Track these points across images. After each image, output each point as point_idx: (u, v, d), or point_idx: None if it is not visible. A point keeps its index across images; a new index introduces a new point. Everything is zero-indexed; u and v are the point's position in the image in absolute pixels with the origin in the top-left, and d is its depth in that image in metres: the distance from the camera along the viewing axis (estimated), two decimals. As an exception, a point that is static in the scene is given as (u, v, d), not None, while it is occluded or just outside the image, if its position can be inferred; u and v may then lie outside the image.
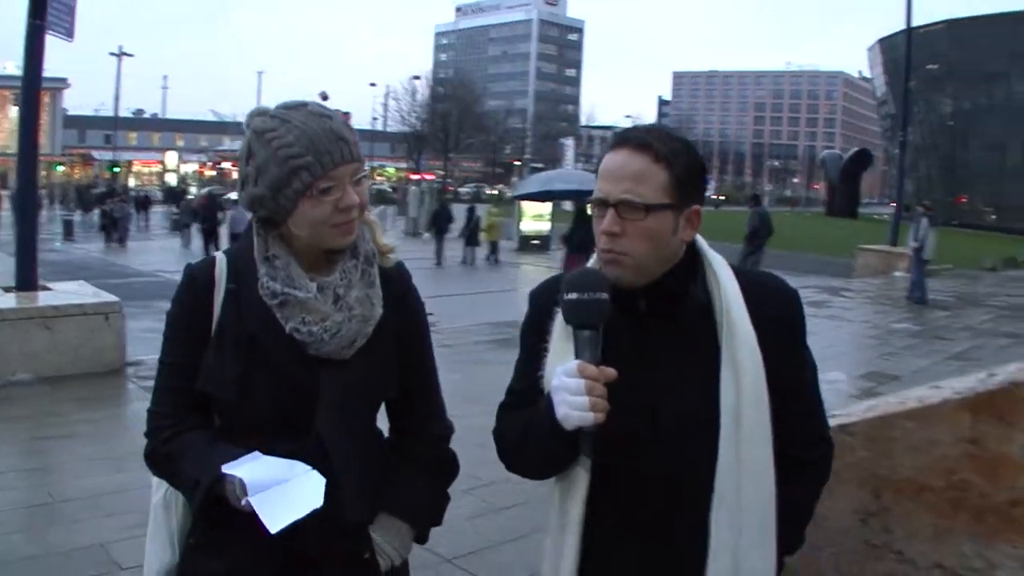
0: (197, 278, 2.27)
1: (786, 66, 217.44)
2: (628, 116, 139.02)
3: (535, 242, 34.89)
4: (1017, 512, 2.90)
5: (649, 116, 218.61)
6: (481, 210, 33.53)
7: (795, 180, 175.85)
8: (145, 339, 10.28)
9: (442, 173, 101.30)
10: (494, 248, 32.12)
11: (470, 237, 31.33)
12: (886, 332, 16.23)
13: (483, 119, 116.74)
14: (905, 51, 33.54)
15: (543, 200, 26.80)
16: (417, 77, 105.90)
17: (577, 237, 15.24)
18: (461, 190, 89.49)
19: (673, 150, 2.05)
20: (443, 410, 2.51)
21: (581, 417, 1.93)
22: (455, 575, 4.99)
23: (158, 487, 2.40)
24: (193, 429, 2.23)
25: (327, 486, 2.05)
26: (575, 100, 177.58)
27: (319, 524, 2.05)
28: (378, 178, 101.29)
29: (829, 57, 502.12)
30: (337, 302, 2.20)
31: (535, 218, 35.31)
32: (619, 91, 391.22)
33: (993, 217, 75.47)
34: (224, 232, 27.69)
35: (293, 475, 2.05)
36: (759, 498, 2.07)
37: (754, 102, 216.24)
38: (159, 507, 2.38)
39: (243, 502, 2.00)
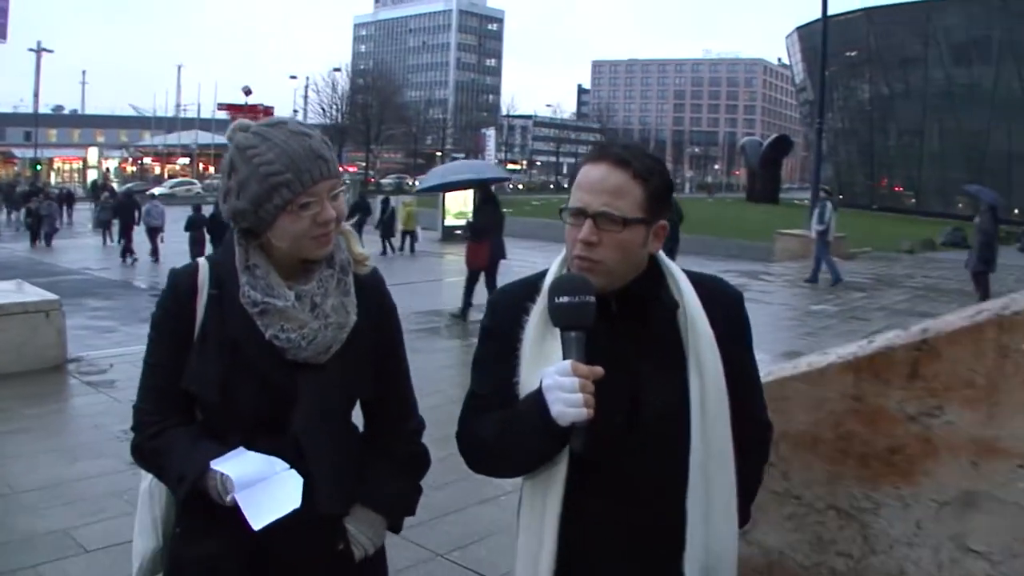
0: (180, 284, 2.38)
1: (705, 54, 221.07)
2: (549, 105, 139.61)
3: (459, 232, 34.69)
4: (896, 458, 3.22)
5: (569, 105, 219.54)
6: (399, 201, 34.42)
7: (716, 167, 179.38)
8: (80, 336, 11.21)
9: (363, 165, 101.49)
10: (412, 238, 32.82)
11: (386, 228, 32.41)
12: (804, 313, 17.12)
13: (404, 110, 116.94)
14: (822, 39, 35.24)
15: (444, 192, 26.73)
16: (338, 69, 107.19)
17: (479, 223, 15.05)
18: (383, 182, 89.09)
19: (648, 168, 2.21)
20: (415, 407, 2.64)
21: (576, 413, 2.04)
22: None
23: (144, 477, 2.51)
24: (177, 426, 2.35)
25: (305, 477, 2.22)
26: (496, 90, 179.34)
27: (294, 517, 2.16)
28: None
29: (748, 45, 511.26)
30: (314, 310, 2.31)
31: (458, 215, 35.26)
32: (539, 80, 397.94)
33: (912, 201, 77.18)
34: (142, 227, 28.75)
35: (273, 473, 2.18)
36: (725, 480, 2.26)
37: (674, 90, 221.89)
38: (144, 495, 2.51)
39: (228, 498, 2.14)
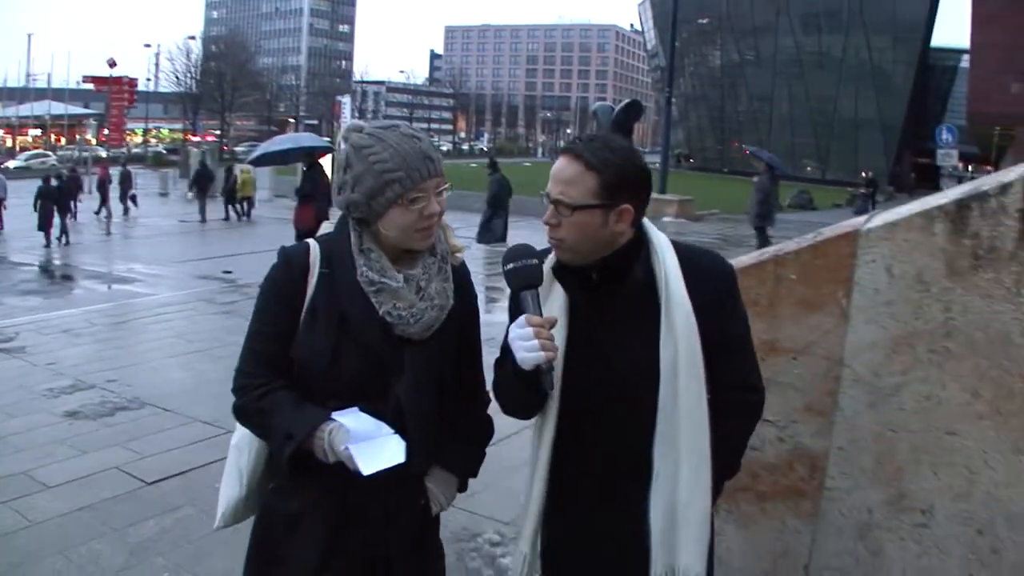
0: (293, 261, 2.60)
1: (559, 20, 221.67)
2: (402, 72, 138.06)
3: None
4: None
5: (423, 70, 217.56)
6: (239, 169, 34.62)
7: (568, 131, 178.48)
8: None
9: (218, 133, 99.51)
10: (248, 204, 33.80)
11: (229, 195, 33.05)
12: None
13: (257, 77, 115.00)
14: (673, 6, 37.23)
15: (273, 164, 26.67)
16: (192, 37, 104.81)
17: (304, 189, 15.97)
18: (236, 149, 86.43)
19: (604, 160, 2.47)
20: (484, 383, 2.88)
21: (536, 357, 2.39)
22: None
23: (237, 431, 2.77)
24: (281, 389, 2.53)
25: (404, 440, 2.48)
26: (349, 56, 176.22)
27: (386, 476, 2.38)
28: (152, 140, 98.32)
29: (601, 11, 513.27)
30: (419, 292, 2.57)
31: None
32: (393, 46, 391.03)
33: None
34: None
35: (381, 433, 2.45)
36: (694, 436, 2.51)
37: (527, 55, 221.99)
38: (233, 449, 2.80)
39: (341, 447, 2.37)
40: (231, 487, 2.76)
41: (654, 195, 18.86)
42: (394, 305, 2.53)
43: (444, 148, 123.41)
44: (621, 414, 2.57)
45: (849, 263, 3.63)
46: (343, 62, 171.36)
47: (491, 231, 20.35)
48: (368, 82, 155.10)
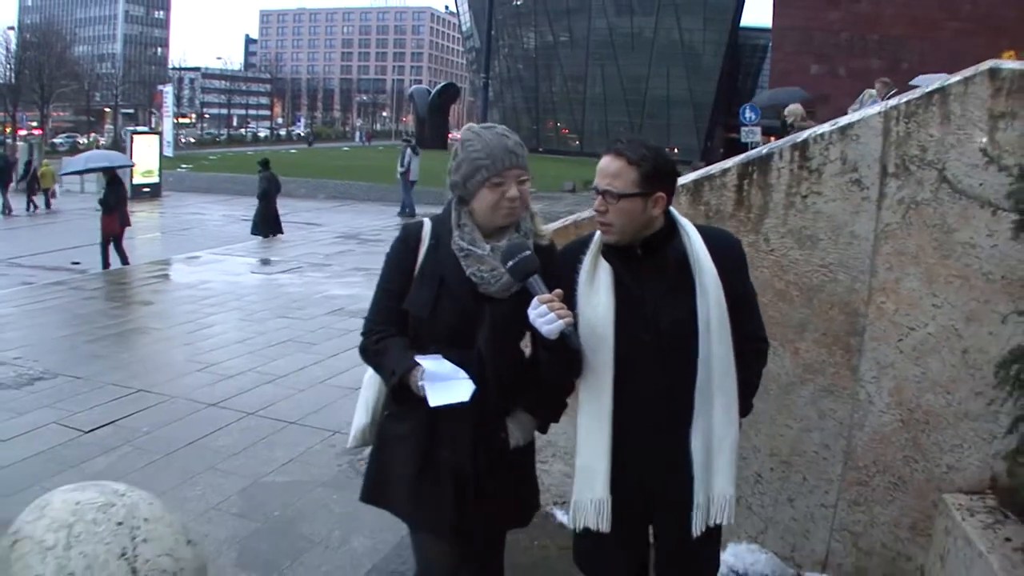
0: (411, 234, 3.27)
1: (372, 2, 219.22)
2: (219, 58, 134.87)
3: (146, 190, 34.40)
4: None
5: (239, 56, 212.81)
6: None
7: (384, 114, 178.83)
8: None
9: (35, 125, 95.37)
10: (47, 195, 33.99)
11: (29, 187, 33.25)
12: None
13: (75, 66, 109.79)
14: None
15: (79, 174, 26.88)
16: (12, 28, 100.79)
17: (108, 201, 17.12)
18: (55, 141, 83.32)
19: (642, 156, 3.02)
20: None
21: (555, 327, 2.90)
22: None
23: (367, 373, 3.43)
24: (395, 336, 3.19)
25: (480, 384, 2.99)
26: (165, 43, 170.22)
27: (472, 409, 2.98)
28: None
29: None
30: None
31: (146, 174, 34.86)
32: (209, 32, 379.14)
33: (577, 143, 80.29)
34: None
35: (456, 376, 2.98)
36: (725, 380, 3.10)
37: (342, 39, 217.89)
38: (363, 385, 3.49)
39: (420, 383, 2.98)
40: (360, 416, 3.48)
41: None
42: (478, 268, 3.13)
43: (262, 134, 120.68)
44: (665, 365, 3.10)
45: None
46: (159, 49, 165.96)
47: (265, 224, 21.42)
48: (184, 69, 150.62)
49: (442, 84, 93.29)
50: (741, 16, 74.55)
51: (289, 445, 6.90)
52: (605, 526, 3.15)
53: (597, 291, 3.12)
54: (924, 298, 4.49)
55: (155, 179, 35.51)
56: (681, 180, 4.60)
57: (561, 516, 5.23)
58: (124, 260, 16.93)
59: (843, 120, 4.71)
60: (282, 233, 21.46)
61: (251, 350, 9.76)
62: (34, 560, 2.06)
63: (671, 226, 3.17)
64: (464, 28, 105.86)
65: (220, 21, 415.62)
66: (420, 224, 3.32)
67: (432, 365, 3.01)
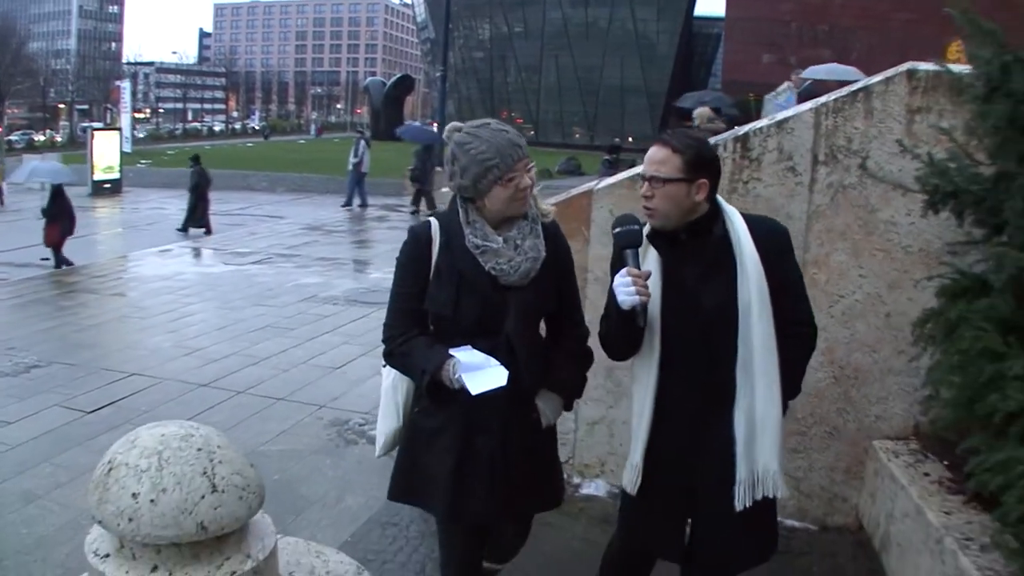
0: (420, 235, 3.35)
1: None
2: (174, 52, 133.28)
3: (107, 186, 34.43)
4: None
5: (193, 50, 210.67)
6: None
7: (339, 106, 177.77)
8: None
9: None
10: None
11: None
12: None
13: (31, 62, 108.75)
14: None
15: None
16: None
17: (52, 210, 17.46)
18: (11, 139, 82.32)
19: (686, 145, 3.20)
20: (583, 318, 3.63)
21: (632, 300, 3.11)
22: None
23: (387, 376, 3.58)
24: (418, 336, 3.33)
25: (511, 368, 3.15)
26: (119, 37, 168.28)
27: (505, 394, 3.12)
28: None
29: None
30: (516, 249, 3.26)
31: (106, 170, 34.81)
32: (164, 26, 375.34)
33: (532, 133, 79.99)
34: None
35: (488, 364, 3.15)
36: (766, 360, 3.18)
37: (296, 31, 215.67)
38: (389, 388, 3.58)
39: (455, 376, 3.11)
40: (389, 419, 3.58)
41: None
42: (496, 261, 3.24)
43: (217, 128, 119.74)
44: (709, 344, 3.23)
45: (588, 209, 5.54)
46: (113, 44, 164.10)
47: (191, 219, 22.19)
48: (138, 63, 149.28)
49: (397, 76, 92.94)
50: (695, 5, 75.39)
51: (280, 419, 7.42)
52: (633, 490, 3.38)
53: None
54: (851, 269, 5.17)
55: (116, 175, 35.39)
56: (631, 171, 5.45)
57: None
58: (66, 263, 17.05)
59: (779, 116, 5.34)
60: (208, 231, 22.11)
61: (233, 335, 10.26)
62: (130, 481, 2.58)
63: (715, 212, 3.29)
64: (419, 19, 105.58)
65: (174, 15, 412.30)
66: (427, 224, 3.40)
67: (465, 356, 3.16)
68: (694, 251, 3.26)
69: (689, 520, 3.40)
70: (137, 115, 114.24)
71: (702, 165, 3.21)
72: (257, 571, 2.76)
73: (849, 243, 5.12)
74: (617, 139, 40.15)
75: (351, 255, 17.85)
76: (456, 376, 3.12)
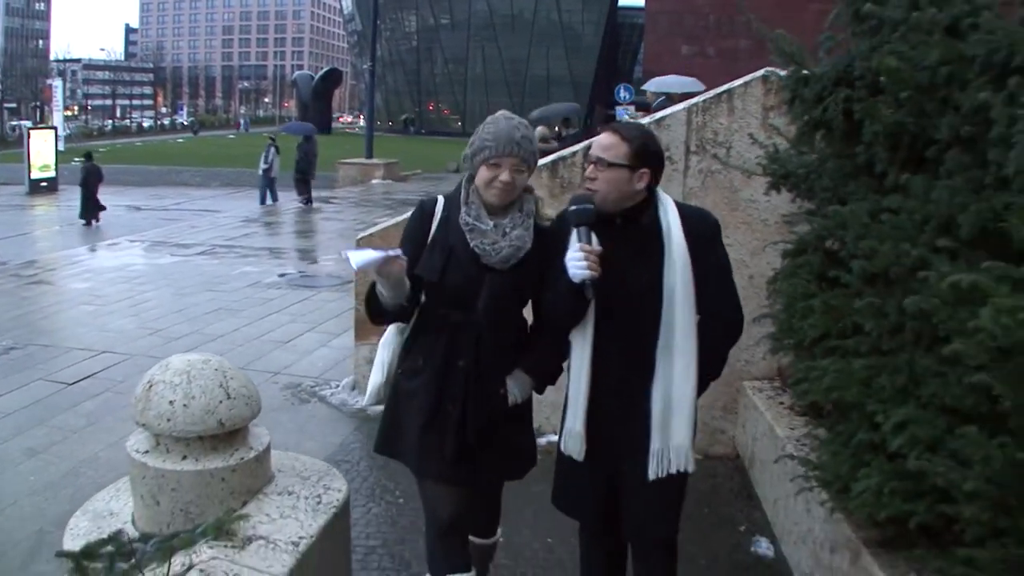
0: (426, 208, 3.69)
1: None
2: (103, 49, 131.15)
3: (44, 185, 34.55)
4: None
5: (120, 46, 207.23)
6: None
7: (267, 100, 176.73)
8: None
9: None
10: None
11: None
12: (371, 224, 20.02)
13: None
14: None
15: None
16: None
17: None
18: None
19: (634, 136, 3.43)
20: None
21: (583, 273, 3.25)
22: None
23: (385, 333, 3.90)
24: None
25: (478, 343, 3.54)
26: (46, 35, 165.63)
27: (473, 367, 3.53)
28: None
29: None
30: (504, 235, 3.51)
31: (42, 168, 34.94)
32: (92, 22, 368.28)
33: (459, 124, 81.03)
34: None
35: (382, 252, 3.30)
36: (685, 344, 3.39)
37: (223, 25, 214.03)
38: (380, 346, 3.89)
39: (344, 255, 3.35)
40: (376, 375, 3.84)
41: (361, 160, 22.69)
42: (481, 241, 3.45)
43: (146, 124, 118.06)
44: (635, 322, 3.39)
45: (531, 199, 5.51)
46: (40, 41, 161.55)
47: (87, 210, 23.42)
48: (65, 61, 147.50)
49: (325, 69, 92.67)
50: (620, -5, 75.69)
51: (241, 385, 8.36)
52: (580, 455, 3.52)
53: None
54: (720, 239, 6.23)
55: (52, 173, 35.39)
56: (544, 160, 6.31)
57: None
58: None
59: (659, 114, 6.45)
60: (90, 223, 23.44)
61: (189, 318, 11.17)
62: (167, 392, 3.61)
63: (652, 202, 3.46)
64: (346, 11, 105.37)
65: (100, 10, 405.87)
66: (435, 200, 3.69)
67: (358, 255, 3.33)
68: (626, 236, 3.41)
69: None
70: (66, 112, 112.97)
71: (646, 156, 3.41)
72: (258, 459, 3.83)
73: (717, 218, 6.22)
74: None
75: (290, 244, 18.77)
76: (344, 256, 3.37)
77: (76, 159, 47.62)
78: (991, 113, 2.71)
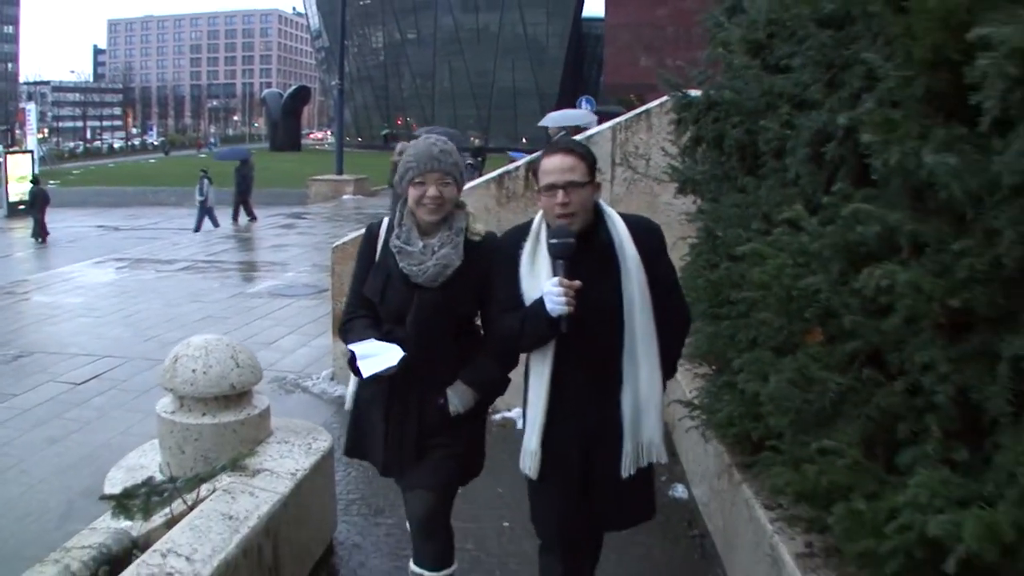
0: (372, 232, 3.88)
1: (219, 6, 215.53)
2: (72, 71, 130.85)
3: (22, 207, 35.06)
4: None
5: (89, 67, 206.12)
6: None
7: (236, 118, 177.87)
8: None
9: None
10: None
11: None
12: (342, 237, 20.96)
13: None
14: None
15: None
16: None
17: None
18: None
19: (586, 151, 3.51)
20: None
21: (562, 309, 3.28)
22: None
23: None
24: (361, 318, 3.80)
25: (411, 356, 3.55)
26: (14, 58, 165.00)
27: (411, 378, 3.64)
28: None
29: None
30: (433, 254, 3.64)
31: (20, 179, 35.52)
32: (60, 44, 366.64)
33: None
34: None
35: (384, 351, 3.55)
36: (648, 349, 3.43)
37: (191, 44, 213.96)
38: None
39: (356, 364, 3.57)
40: (352, 382, 3.93)
41: (332, 176, 24.17)
42: (408, 262, 3.60)
43: (117, 146, 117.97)
44: (598, 335, 3.38)
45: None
46: (9, 64, 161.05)
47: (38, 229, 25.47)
48: (34, 83, 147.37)
49: (294, 87, 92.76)
50: (583, 7, 77.69)
51: (232, 380, 9.36)
52: (534, 474, 3.56)
53: (538, 273, 3.44)
54: (642, 238, 7.22)
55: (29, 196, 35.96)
56: (491, 174, 7.36)
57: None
58: None
59: (588, 132, 7.55)
60: (44, 242, 25.69)
61: (180, 325, 12.06)
62: (190, 363, 4.67)
63: (599, 214, 3.51)
64: (313, 29, 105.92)
65: (68, 33, 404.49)
66: (379, 221, 3.87)
67: (360, 347, 3.57)
68: (583, 253, 3.37)
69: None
70: (38, 136, 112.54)
71: (594, 169, 3.50)
72: (261, 416, 4.92)
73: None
74: (477, 140, 40.54)
75: (267, 258, 19.60)
76: (355, 365, 3.56)
77: (51, 182, 48.40)
78: (769, 133, 3.83)
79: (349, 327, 3.79)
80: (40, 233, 25.77)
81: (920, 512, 2.30)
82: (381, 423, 3.79)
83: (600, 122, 11.60)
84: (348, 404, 4.04)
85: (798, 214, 3.32)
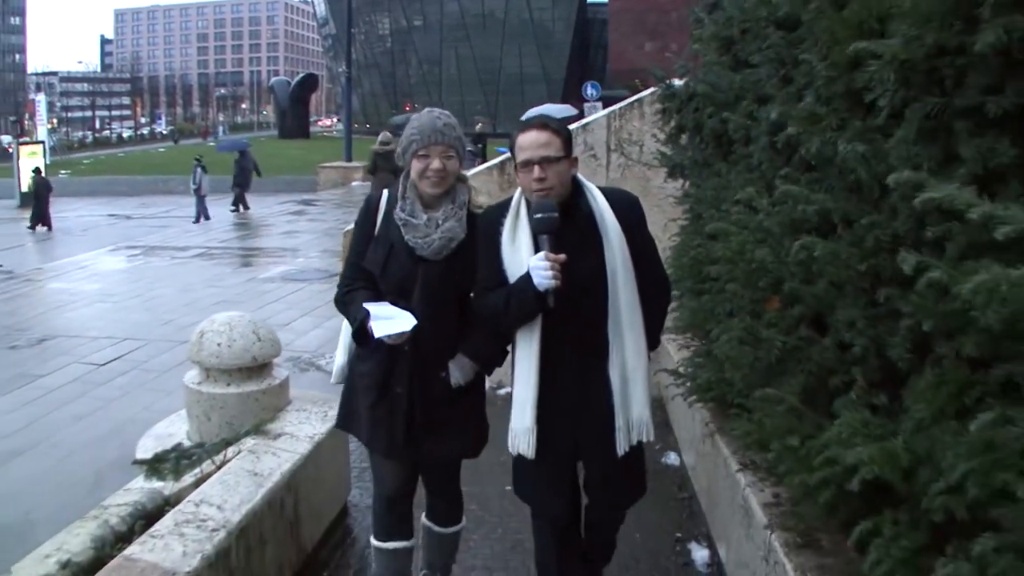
0: (371, 203, 3.80)
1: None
2: (80, 62, 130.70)
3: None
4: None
5: (96, 57, 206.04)
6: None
7: (244, 106, 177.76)
8: None
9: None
10: None
11: None
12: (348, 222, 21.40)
13: None
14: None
15: None
16: None
17: None
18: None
19: (560, 126, 3.50)
20: None
21: (549, 283, 3.26)
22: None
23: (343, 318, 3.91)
24: (361, 289, 3.72)
25: (417, 328, 3.48)
26: (22, 49, 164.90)
27: (413, 350, 3.60)
28: None
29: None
30: (436, 228, 3.60)
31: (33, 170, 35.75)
32: (69, 35, 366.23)
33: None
34: None
35: (397, 315, 3.49)
36: (633, 318, 3.44)
37: (198, 33, 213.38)
38: (342, 330, 3.97)
39: (368, 324, 3.48)
40: (340, 356, 3.98)
41: (341, 163, 24.57)
42: (413, 235, 3.56)
43: (126, 135, 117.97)
44: (583, 308, 3.38)
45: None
46: (17, 56, 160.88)
47: (35, 217, 25.87)
48: (42, 74, 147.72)
49: (302, 75, 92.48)
50: (589, -9, 76.49)
51: (249, 359, 9.83)
52: (531, 452, 3.48)
53: (519, 249, 3.43)
54: (637, 219, 7.56)
55: (43, 189, 36.16)
56: (494, 161, 7.68)
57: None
58: None
59: (584, 120, 7.91)
60: (50, 228, 26.00)
61: (197, 310, 12.52)
62: (214, 338, 5.11)
63: (579, 188, 3.51)
64: (319, 15, 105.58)
65: (75, 23, 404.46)
66: (379, 194, 3.80)
67: (376, 308, 3.51)
68: (565, 227, 3.37)
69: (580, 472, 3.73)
70: (48, 126, 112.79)
71: (570, 144, 3.49)
72: (281, 386, 5.35)
73: (634, 201, 7.65)
74: (481, 125, 40.75)
75: (279, 244, 20.02)
76: (368, 324, 3.49)
77: (63, 172, 48.79)
78: (736, 123, 4.25)
79: (349, 298, 3.72)
80: (45, 223, 25.99)
81: (843, 446, 2.67)
82: (374, 395, 3.76)
83: (604, 107, 11.96)
84: (335, 379, 4.07)
85: (750, 195, 3.72)
